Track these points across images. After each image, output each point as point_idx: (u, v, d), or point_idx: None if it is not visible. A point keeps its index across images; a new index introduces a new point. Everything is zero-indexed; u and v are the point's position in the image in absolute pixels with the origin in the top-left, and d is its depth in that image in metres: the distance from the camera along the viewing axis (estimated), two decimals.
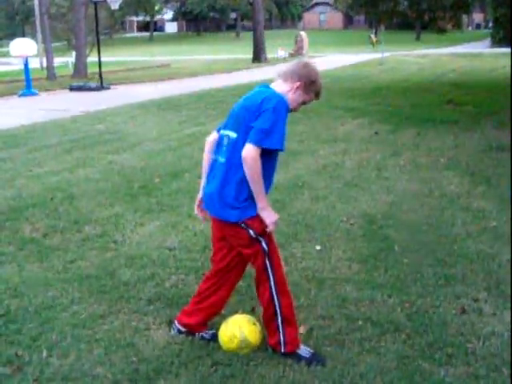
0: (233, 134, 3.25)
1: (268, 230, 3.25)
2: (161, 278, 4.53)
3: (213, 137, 3.51)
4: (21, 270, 4.76)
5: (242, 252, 3.39)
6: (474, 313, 3.92)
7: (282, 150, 3.19)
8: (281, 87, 3.33)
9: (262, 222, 3.23)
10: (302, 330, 3.69)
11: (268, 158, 3.19)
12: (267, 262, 3.32)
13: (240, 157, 3.13)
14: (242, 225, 3.25)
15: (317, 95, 3.41)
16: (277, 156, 3.33)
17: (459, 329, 3.71)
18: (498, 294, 4.19)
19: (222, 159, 3.29)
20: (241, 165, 3.14)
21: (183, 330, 3.66)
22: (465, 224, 5.66)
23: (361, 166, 8.08)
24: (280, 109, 3.17)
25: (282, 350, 3.40)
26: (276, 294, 3.36)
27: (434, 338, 3.60)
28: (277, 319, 3.39)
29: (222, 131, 3.39)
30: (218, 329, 3.59)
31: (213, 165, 3.39)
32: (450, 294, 4.18)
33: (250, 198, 3.21)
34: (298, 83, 3.31)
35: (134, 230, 5.68)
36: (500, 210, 6.02)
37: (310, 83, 3.33)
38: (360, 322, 3.80)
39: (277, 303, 3.37)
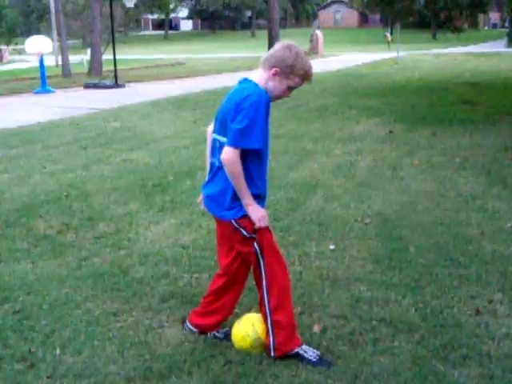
0: (222, 139, 3.22)
1: (256, 226, 3.22)
2: (174, 276, 4.54)
3: (212, 126, 3.49)
4: (35, 266, 4.79)
5: (239, 251, 3.38)
6: (488, 314, 3.89)
7: (260, 149, 3.16)
8: (260, 77, 3.26)
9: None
10: (315, 329, 3.68)
11: (254, 157, 3.18)
12: (260, 263, 3.30)
13: (245, 143, 3.12)
14: (235, 224, 3.26)
15: (304, 78, 3.25)
16: (265, 154, 3.28)
17: (474, 330, 3.68)
18: None
19: (217, 163, 3.29)
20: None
21: (195, 330, 3.67)
22: (480, 224, 5.61)
23: (375, 166, 8.04)
24: (256, 107, 3.09)
25: (272, 354, 3.36)
26: (267, 296, 3.32)
27: (448, 338, 3.58)
28: (267, 322, 3.36)
29: (213, 135, 3.36)
30: (230, 327, 3.58)
31: (211, 166, 3.39)
32: (464, 295, 4.15)
33: None
34: (274, 69, 3.19)
35: (147, 228, 5.69)
36: None
37: (286, 67, 3.18)
38: (374, 322, 3.78)
39: (267, 306, 3.33)
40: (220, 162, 3.23)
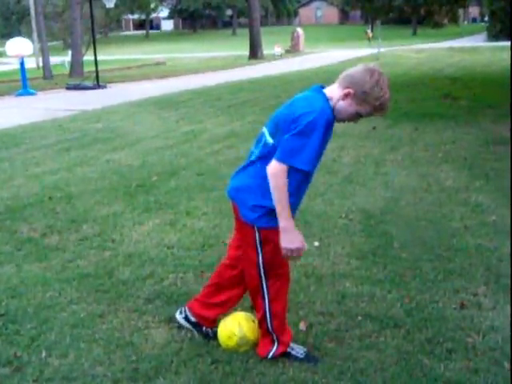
0: (269, 139, 3.04)
1: (282, 255, 3.04)
2: (159, 277, 4.52)
3: None
4: (19, 270, 4.75)
5: (244, 251, 3.27)
6: (473, 307, 3.92)
7: (308, 171, 2.93)
8: (333, 93, 3.00)
9: (275, 235, 3.04)
10: (301, 326, 3.69)
11: (300, 175, 2.96)
12: (263, 284, 3.21)
13: (294, 161, 2.90)
14: (255, 229, 3.09)
15: (376, 109, 2.97)
16: (310, 175, 3.06)
17: (459, 323, 3.71)
18: (498, 288, 4.18)
19: (255, 155, 3.11)
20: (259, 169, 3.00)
21: (193, 319, 3.62)
22: (463, 218, 5.65)
23: (358, 162, 8.07)
24: (314, 126, 2.84)
25: (269, 357, 3.35)
26: (270, 318, 3.27)
27: (433, 333, 3.60)
28: (271, 335, 3.33)
29: (264, 128, 3.15)
30: (217, 326, 3.58)
31: (249, 155, 3.19)
32: (449, 289, 4.18)
33: (267, 210, 3.01)
34: (347, 90, 2.94)
35: (132, 229, 5.67)
36: (498, 204, 6.02)
37: (361, 93, 2.91)
38: (359, 318, 3.80)
39: (270, 327, 3.30)
40: (259, 161, 3.06)
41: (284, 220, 2.95)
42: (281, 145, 2.92)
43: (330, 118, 2.95)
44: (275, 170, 2.90)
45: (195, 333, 3.64)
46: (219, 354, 3.41)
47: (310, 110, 2.88)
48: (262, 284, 3.23)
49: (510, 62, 14.48)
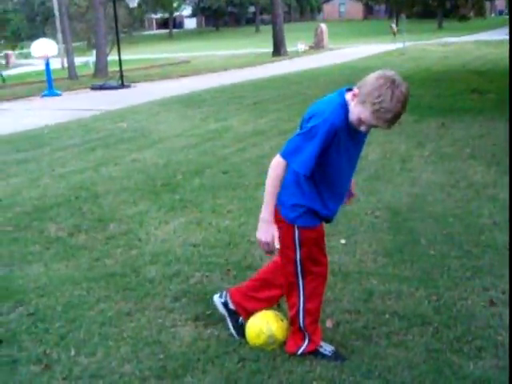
0: None
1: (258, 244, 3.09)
2: (186, 275, 4.54)
3: None
4: (48, 269, 4.80)
5: (282, 247, 3.19)
6: (502, 305, 3.86)
7: (303, 174, 2.92)
8: (350, 95, 2.92)
9: (314, 233, 3.14)
10: (328, 324, 3.67)
11: (322, 177, 2.99)
12: (299, 283, 3.22)
13: (293, 160, 2.92)
14: (296, 226, 3.10)
15: (377, 116, 2.80)
16: (335, 179, 3.05)
17: (488, 321, 3.66)
18: None
19: None
20: (292, 168, 2.98)
21: (232, 307, 3.61)
22: (492, 214, 5.58)
23: (384, 158, 8.01)
24: (318, 131, 2.81)
25: (298, 353, 3.35)
26: (303, 316, 3.28)
27: (462, 330, 3.56)
28: (303, 333, 3.33)
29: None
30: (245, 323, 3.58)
31: None
32: (477, 286, 4.13)
33: (306, 209, 3.05)
34: (355, 91, 2.85)
35: (158, 227, 5.69)
36: None
37: (363, 94, 2.79)
38: (387, 316, 3.77)
39: (301, 322, 3.30)
40: None
41: (265, 211, 3.01)
42: (288, 141, 2.95)
43: (337, 125, 2.85)
44: (275, 162, 2.96)
45: (228, 321, 3.62)
46: (246, 352, 3.42)
47: (319, 114, 2.88)
48: (298, 282, 3.24)
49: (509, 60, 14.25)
